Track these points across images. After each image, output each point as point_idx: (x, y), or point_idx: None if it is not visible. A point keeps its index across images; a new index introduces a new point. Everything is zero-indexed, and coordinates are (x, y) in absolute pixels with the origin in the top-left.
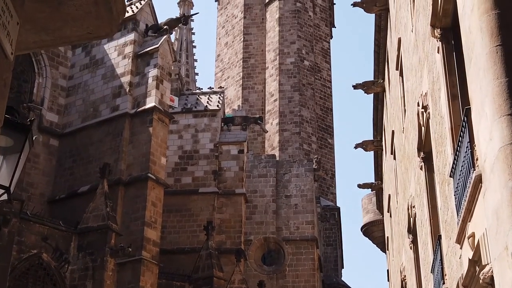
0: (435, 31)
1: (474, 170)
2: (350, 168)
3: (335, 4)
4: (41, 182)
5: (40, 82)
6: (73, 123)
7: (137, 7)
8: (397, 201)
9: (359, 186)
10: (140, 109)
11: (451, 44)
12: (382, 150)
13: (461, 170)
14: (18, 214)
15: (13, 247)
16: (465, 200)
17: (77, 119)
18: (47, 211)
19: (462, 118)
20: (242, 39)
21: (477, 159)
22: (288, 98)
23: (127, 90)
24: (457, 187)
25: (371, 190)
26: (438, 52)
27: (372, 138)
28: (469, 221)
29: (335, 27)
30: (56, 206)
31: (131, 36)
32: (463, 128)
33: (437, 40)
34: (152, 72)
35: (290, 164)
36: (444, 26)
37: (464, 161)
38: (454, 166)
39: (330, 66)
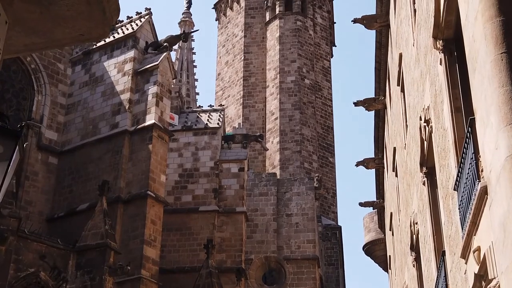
0: (437, 42)
1: (479, 181)
2: (352, 186)
3: (335, 23)
4: (40, 200)
5: (40, 99)
6: (72, 140)
7: (137, 24)
8: (399, 218)
9: (361, 204)
10: (140, 126)
11: (453, 55)
12: (384, 168)
13: (466, 183)
14: (15, 232)
15: (10, 265)
16: (470, 213)
17: (77, 137)
18: (46, 230)
19: (466, 129)
20: (242, 57)
21: (482, 170)
22: (289, 117)
23: (127, 107)
24: (461, 200)
25: (373, 209)
26: (440, 64)
27: (373, 156)
28: (475, 235)
29: (336, 46)
30: (54, 225)
31: (131, 53)
32: (467, 139)
33: (439, 52)
34: (152, 89)
35: (291, 183)
36: (447, 38)
37: (468, 173)
38: (458, 179)
39: (331, 85)
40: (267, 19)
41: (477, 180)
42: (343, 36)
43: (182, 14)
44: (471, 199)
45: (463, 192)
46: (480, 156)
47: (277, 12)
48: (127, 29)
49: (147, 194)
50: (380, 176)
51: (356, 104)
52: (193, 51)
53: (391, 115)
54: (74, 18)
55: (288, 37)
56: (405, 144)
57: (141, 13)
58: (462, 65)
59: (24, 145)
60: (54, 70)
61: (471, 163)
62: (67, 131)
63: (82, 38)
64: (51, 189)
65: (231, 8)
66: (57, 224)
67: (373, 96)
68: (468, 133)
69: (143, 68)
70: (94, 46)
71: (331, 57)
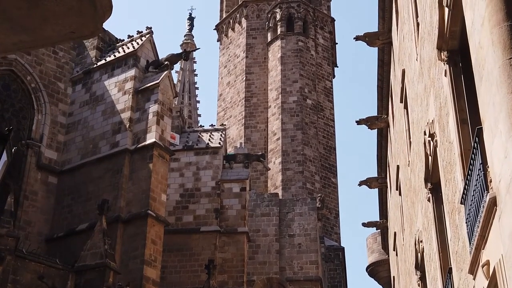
0: (442, 54)
1: (488, 192)
2: (354, 206)
3: (337, 43)
4: (39, 220)
5: (39, 119)
6: (72, 160)
7: (137, 43)
8: (403, 238)
9: (364, 224)
10: (140, 145)
11: (458, 66)
12: (387, 187)
13: (473, 195)
14: (13, 252)
15: (8, 285)
16: (478, 226)
17: (77, 156)
18: (45, 250)
19: (473, 140)
20: (244, 78)
21: (490, 181)
22: (291, 137)
23: (127, 126)
24: (469, 214)
25: (376, 229)
26: (445, 76)
27: (376, 175)
28: (483, 249)
29: (337, 67)
30: (54, 245)
31: (132, 72)
32: (474, 150)
33: (444, 63)
34: (153, 108)
35: (293, 203)
36: (451, 49)
37: (476, 184)
38: (465, 192)
39: (333, 105)
40: (269, 39)
41: (486, 192)
42: (345, 57)
43: (184, 36)
44: (479, 212)
45: (471, 205)
46: (488, 167)
47: (278, 32)
48: (128, 48)
49: (147, 213)
50: (383, 195)
51: (359, 122)
52: (195, 73)
53: (394, 133)
54: (64, 14)
55: (289, 58)
56: (409, 161)
57: (142, 32)
58: (467, 76)
59: (13, 149)
60: (54, 89)
61: (478, 174)
62: (67, 151)
63: (73, 36)
64: (50, 209)
65: (233, 29)
66: (56, 244)
67: (376, 115)
68: (475, 144)
69: (144, 86)
70: (95, 65)
71: (333, 78)
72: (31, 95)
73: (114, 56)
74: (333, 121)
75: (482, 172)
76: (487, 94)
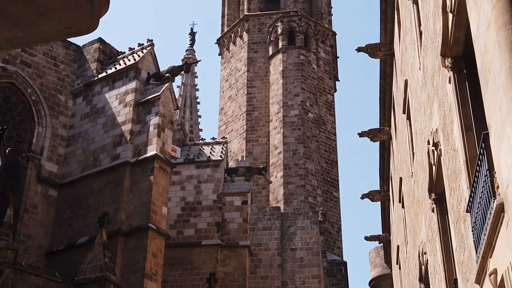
0: (446, 60)
1: (495, 199)
2: (357, 220)
3: (338, 57)
4: (39, 233)
5: (40, 131)
6: (72, 173)
7: (138, 56)
8: (406, 251)
9: (366, 238)
10: (141, 157)
11: (463, 73)
12: (389, 200)
13: (480, 202)
14: (12, 265)
15: None
16: (485, 234)
17: (77, 169)
18: (45, 264)
19: (479, 146)
20: (245, 92)
21: (497, 187)
22: (293, 151)
23: (128, 139)
24: (475, 222)
25: (379, 243)
26: (449, 83)
27: (378, 188)
28: (490, 257)
29: (339, 81)
30: (53, 259)
31: (133, 84)
32: (480, 156)
33: (448, 70)
34: (154, 120)
35: (295, 217)
36: (455, 55)
37: (482, 191)
38: (471, 200)
39: (335, 119)
40: (270, 53)
41: (493, 198)
42: (347, 71)
43: (186, 51)
44: (485, 219)
45: (477, 212)
46: (495, 172)
47: (280, 46)
48: (129, 60)
49: (148, 226)
50: (386, 208)
51: (361, 135)
52: (196, 87)
53: (396, 145)
54: (60, 8)
55: (291, 71)
56: (412, 172)
57: (143, 44)
58: (471, 83)
59: (7, 150)
60: (55, 102)
61: (485, 181)
62: (68, 163)
63: (70, 32)
64: (50, 222)
65: (234, 43)
66: (56, 258)
67: (378, 127)
68: (481, 149)
69: (145, 99)
70: (96, 78)
71: (335, 92)
72: (32, 107)
73: (115, 68)
74: (335, 134)
75: (489, 178)
76: (494, 98)
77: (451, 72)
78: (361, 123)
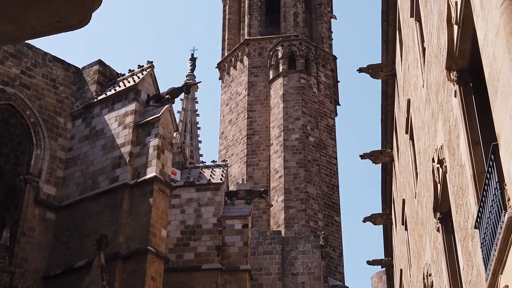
0: (451, 74)
1: (506, 212)
2: (359, 244)
3: (339, 82)
4: (36, 257)
5: (38, 153)
6: (71, 195)
7: (138, 77)
8: (410, 274)
9: (368, 263)
10: (140, 179)
11: (469, 86)
12: (392, 223)
13: (489, 217)
14: (8, 287)
15: None
16: (495, 250)
17: (75, 191)
18: None
19: (488, 158)
20: (246, 116)
21: (509, 199)
22: (294, 175)
23: (127, 161)
24: (484, 238)
25: (381, 267)
26: (455, 97)
27: (381, 212)
28: (501, 274)
29: (340, 105)
30: (51, 283)
31: (132, 106)
32: (490, 169)
33: (453, 84)
34: (153, 142)
35: (296, 241)
36: (461, 68)
37: (492, 205)
38: (479, 215)
39: (336, 143)
40: (271, 77)
41: (503, 211)
42: (347, 95)
43: (186, 76)
44: (496, 234)
45: (486, 228)
46: (505, 184)
47: (280, 70)
48: (129, 82)
49: (147, 249)
50: (388, 232)
51: (363, 157)
52: (196, 112)
53: (399, 167)
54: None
55: (292, 95)
56: (416, 193)
57: (143, 66)
58: (478, 96)
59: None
60: (54, 124)
61: (495, 194)
62: (66, 186)
63: (61, 26)
64: (48, 246)
65: (235, 67)
66: (53, 282)
67: (380, 149)
68: (490, 161)
69: (144, 120)
70: (95, 100)
71: (336, 116)
72: (30, 129)
73: (115, 90)
74: (336, 158)
75: (499, 191)
76: (503, 107)
77: (457, 85)
78: (362, 147)
